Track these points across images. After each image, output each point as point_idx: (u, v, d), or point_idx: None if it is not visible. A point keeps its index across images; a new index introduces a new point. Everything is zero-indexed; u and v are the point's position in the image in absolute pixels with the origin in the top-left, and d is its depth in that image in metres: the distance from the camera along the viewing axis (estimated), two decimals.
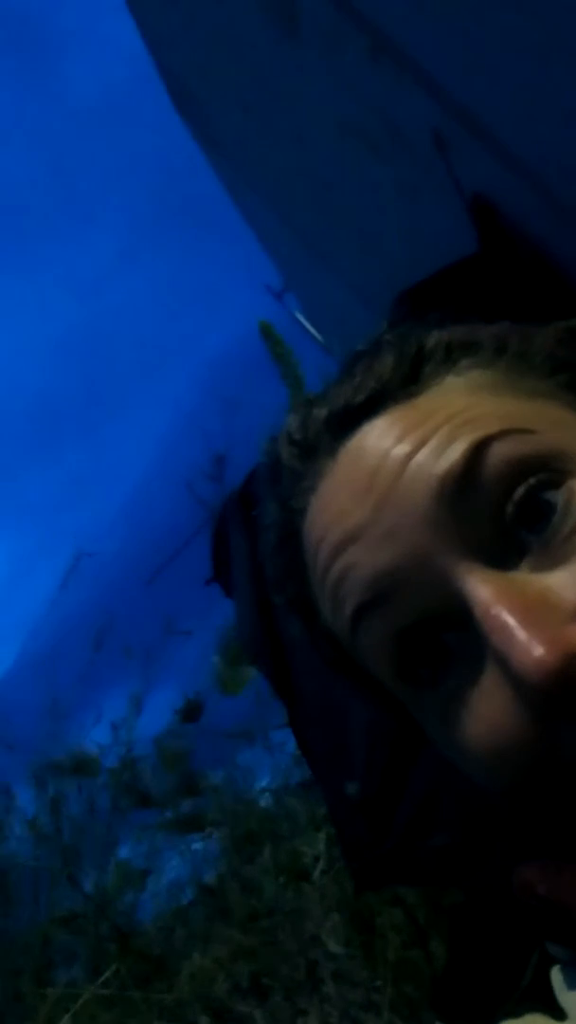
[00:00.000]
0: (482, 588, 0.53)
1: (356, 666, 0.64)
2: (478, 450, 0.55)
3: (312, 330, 3.57)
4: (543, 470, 0.55)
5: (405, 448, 0.57)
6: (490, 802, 0.58)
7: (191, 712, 3.84)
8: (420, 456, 0.57)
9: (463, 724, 0.55)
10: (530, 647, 0.49)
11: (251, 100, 2.12)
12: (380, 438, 0.59)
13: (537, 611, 0.51)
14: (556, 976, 0.58)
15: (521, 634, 0.50)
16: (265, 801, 3.38)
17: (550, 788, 0.52)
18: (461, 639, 0.54)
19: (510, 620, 0.50)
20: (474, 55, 1.47)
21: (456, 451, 0.55)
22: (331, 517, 0.60)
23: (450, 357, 0.63)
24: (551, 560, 0.53)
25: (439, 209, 1.93)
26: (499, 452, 0.55)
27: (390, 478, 0.57)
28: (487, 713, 0.53)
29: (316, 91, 1.82)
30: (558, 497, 0.54)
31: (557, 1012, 0.58)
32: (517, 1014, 0.61)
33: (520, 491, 0.54)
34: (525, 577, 0.53)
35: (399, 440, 0.58)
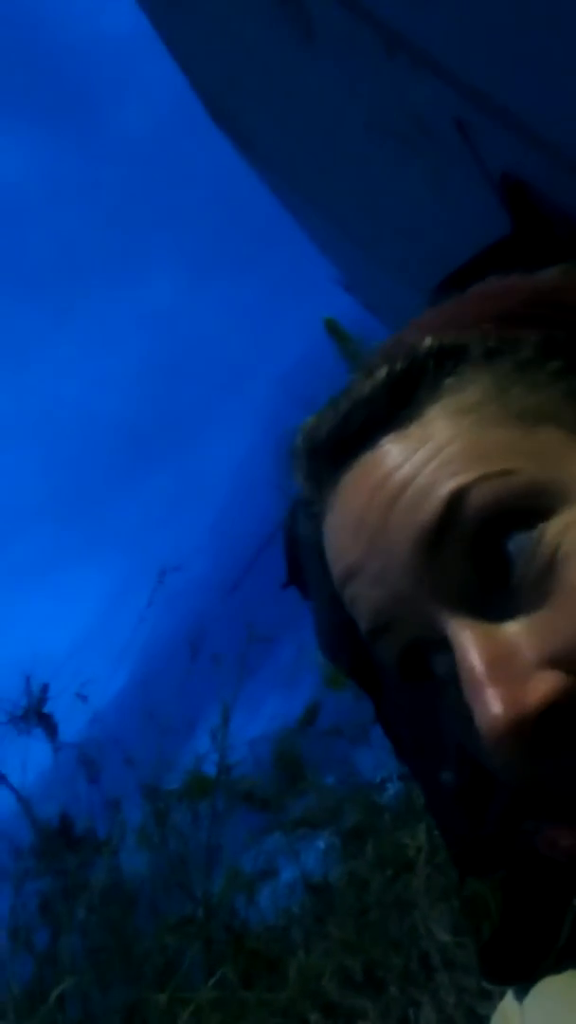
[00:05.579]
0: (459, 637, 0.55)
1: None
2: (453, 500, 0.56)
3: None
4: (519, 512, 0.55)
5: (392, 489, 0.59)
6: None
7: (310, 716, 3.90)
8: (403, 501, 0.58)
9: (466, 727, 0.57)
10: (490, 705, 0.52)
11: (280, 107, 2.16)
12: (371, 472, 0.61)
13: (502, 665, 0.53)
14: None
15: (484, 691, 0.53)
16: (369, 795, 3.40)
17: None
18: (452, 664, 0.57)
19: (478, 676, 0.53)
20: (484, 38, 1.48)
21: (433, 502, 0.57)
22: (335, 551, 0.63)
23: (442, 370, 0.62)
24: (523, 606, 0.55)
25: (474, 195, 1.94)
26: (475, 500, 0.56)
27: (378, 520, 0.59)
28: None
29: (338, 92, 1.85)
30: (528, 541, 0.55)
31: None
32: (557, 971, 0.63)
33: (490, 538, 0.55)
34: (501, 625, 0.55)
35: (387, 478, 0.59)
